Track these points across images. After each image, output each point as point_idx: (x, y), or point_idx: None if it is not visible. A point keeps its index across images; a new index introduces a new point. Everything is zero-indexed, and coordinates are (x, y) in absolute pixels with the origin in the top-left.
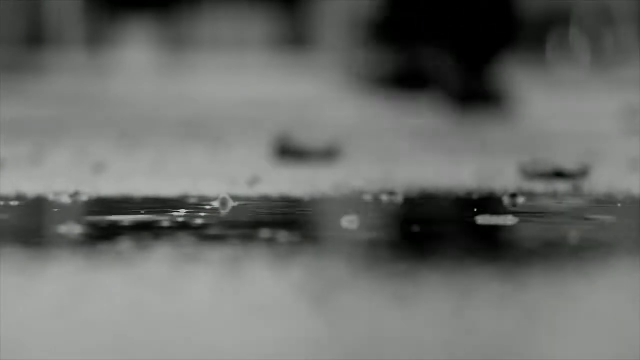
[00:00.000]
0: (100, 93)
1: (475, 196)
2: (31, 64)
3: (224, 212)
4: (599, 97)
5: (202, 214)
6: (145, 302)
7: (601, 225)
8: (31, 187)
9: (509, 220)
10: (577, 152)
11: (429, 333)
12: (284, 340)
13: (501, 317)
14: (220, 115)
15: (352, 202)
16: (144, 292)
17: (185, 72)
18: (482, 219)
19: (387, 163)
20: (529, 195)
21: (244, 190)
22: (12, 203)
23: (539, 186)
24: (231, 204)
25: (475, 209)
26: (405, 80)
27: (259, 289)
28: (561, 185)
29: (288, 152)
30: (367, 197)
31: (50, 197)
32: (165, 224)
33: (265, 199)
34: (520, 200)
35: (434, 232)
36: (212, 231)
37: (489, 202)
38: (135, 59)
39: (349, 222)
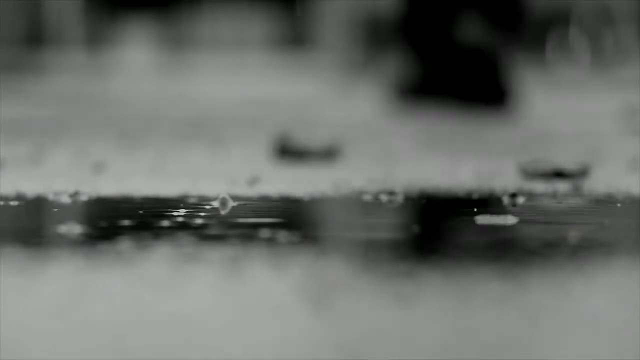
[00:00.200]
0: (100, 93)
1: (475, 196)
2: (31, 64)
3: (224, 212)
4: (599, 97)
5: (202, 214)
6: (145, 302)
7: (601, 225)
8: (31, 187)
9: (509, 220)
10: (577, 152)
11: (429, 333)
12: (284, 341)
13: (501, 317)
14: (220, 115)
15: (352, 202)
16: (144, 292)
17: (185, 72)
18: (482, 219)
19: (387, 163)
20: (529, 195)
21: (244, 190)
22: (12, 203)
23: (539, 186)
24: (231, 204)
25: (475, 209)
26: (430, 87)
27: (259, 289)
28: (561, 185)
29: (288, 152)
30: (367, 197)
31: (50, 197)
32: (165, 224)
33: (265, 199)
34: (520, 200)
35: (434, 232)
36: (212, 231)
37: (489, 202)
38: (135, 59)
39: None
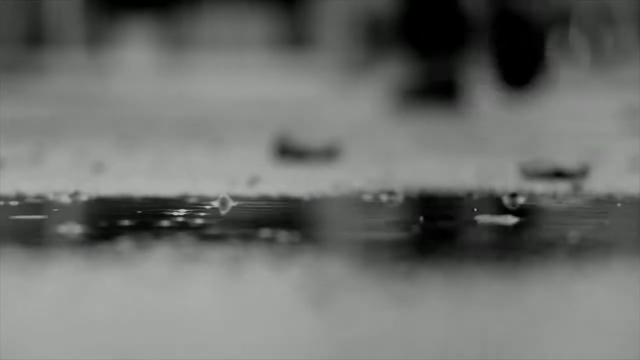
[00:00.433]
0: (100, 93)
1: (475, 196)
2: (31, 64)
3: (224, 212)
4: (599, 97)
5: (202, 214)
6: (145, 302)
7: (601, 225)
8: (31, 187)
9: (509, 220)
10: (577, 152)
11: (429, 333)
12: (284, 340)
13: (501, 317)
14: (220, 115)
15: (352, 202)
16: (144, 292)
17: (185, 72)
18: (482, 219)
19: (387, 163)
20: (529, 195)
21: (244, 190)
22: (12, 203)
23: (539, 186)
24: (231, 204)
25: (475, 209)
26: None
27: (259, 289)
28: (561, 185)
29: (288, 152)
30: (367, 197)
31: (50, 197)
32: (165, 224)
33: (265, 199)
34: (520, 200)
35: (434, 232)
36: (212, 231)
37: (489, 202)
38: (135, 59)
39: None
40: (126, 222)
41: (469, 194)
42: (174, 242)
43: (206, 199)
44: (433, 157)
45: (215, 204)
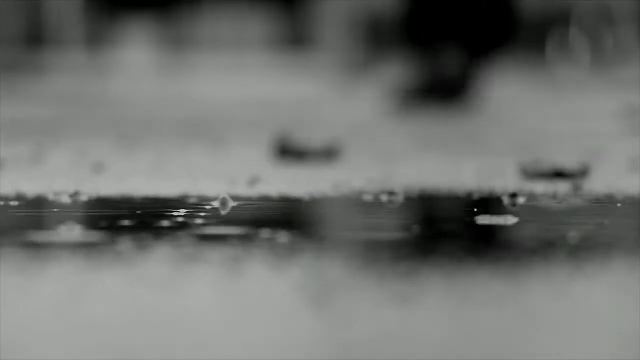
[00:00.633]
0: (100, 93)
1: (475, 196)
2: (31, 64)
3: (224, 212)
4: (599, 97)
5: (202, 214)
6: (145, 302)
7: (601, 225)
8: (31, 187)
9: (509, 220)
10: (577, 152)
11: (429, 333)
12: (284, 340)
13: (501, 317)
14: (220, 115)
15: (352, 202)
16: (144, 292)
17: (185, 72)
18: (482, 219)
19: (387, 163)
20: (529, 195)
21: (244, 190)
22: (12, 203)
23: (539, 186)
24: (231, 204)
25: (475, 209)
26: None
27: (259, 289)
28: (561, 185)
29: (288, 152)
30: (367, 197)
31: (50, 197)
32: (165, 224)
33: (265, 199)
34: (520, 200)
35: (434, 232)
36: (212, 231)
37: (489, 202)
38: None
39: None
40: (126, 222)
41: (469, 194)
42: (174, 242)
43: (206, 199)
44: (433, 157)
45: (215, 204)
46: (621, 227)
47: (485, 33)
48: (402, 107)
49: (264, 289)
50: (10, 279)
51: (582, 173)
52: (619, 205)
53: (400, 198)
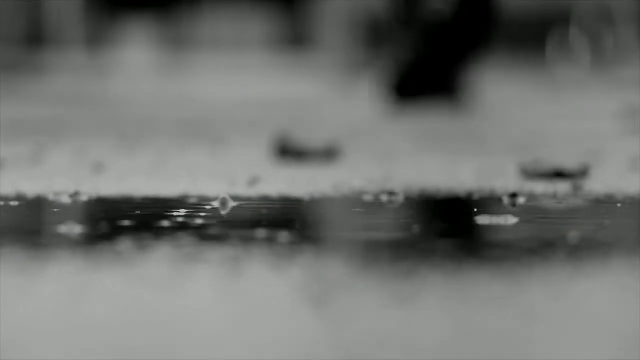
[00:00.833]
0: (100, 93)
1: (475, 196)
2: (31, 64)
3: (224, 212)
4: (599, 97)
5: (202, 214)
6: (145, 302)
7: (601, 225)
8: (31, 187)
9: (509, 220)
10: (577, 152)
11: (429, 333)
12: (284, 340)
13: (501, 317)
14: (220, 115)
15: (352, 202)
16: (144, 292)
17: (185, 72)
18: (482, 219)
19: (387, 163)
20: (529, 195)
21: (244, 190)
22: (12, 203)
23: (539, 186)
24: (231, 204)
25: (475, 209)
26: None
27: (259, 289)
28: (561, 185)
29: (288, 152)
30: (367, 197)
31: (50, 197)
32: (165, 224)
33: (265, 199)
34: (520, 200)
35: (434, 232)
36: (212, 231)
37: (489, 202)
38: (135, 59)
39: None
40: (126, 222)
41: (469, 194)
42: (174, 242)
43: (206, 199)
44: (433, 156)
45: (215, 204)
46: (621, 227)
47: (466, 33)
48: (398, 105)
49: (264, 289)
50: (10, 279)
51: (582, 173)
52: (619, 205)
53: (400, 198)
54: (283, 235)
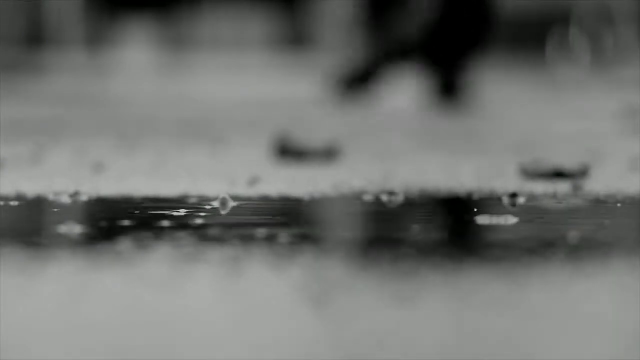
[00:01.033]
0: (100, 93)
1: (475, 196)
2: (31, 64)
3: (224, 212)
4: (599, 97)
5: (202, 214)
6: (145, 302)
7: (601, 225)
8: (31, 187)
9: (509, 220)
10: (577, 152)
11: (429, 333)
12: (284, 340)
13: (501, 317)
14: (220, 115)
15: (352, 202)
16: (144, 292)
17: (185, 72)
18: (482, 219)
19: (387, 163)
20: (529, 195)
21: (244, 190)
22: (12, 203)
23: (539, 186)
24: (231, 204)
25: (475, 209)
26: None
27: (259, 289)
28: (561, 185)
29: (288, 152)
30: (367, 197)
31: (50, 197)
32: (165, 224)
33: (265, 199)
34: (520, 200)
35: (434, 232)
36: (212, 231)
37: (489, 202)
38: (135, 59)
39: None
40: (126, 222)
41: (469, 194)
42: (174, 242)
43: (206, 199)
44: (433, 156)
45: (215, 204)
46: (621, 227)
47: (461, 32)
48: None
49: (264, 289)
50: (10, 279)
51: (582, 173)
52: (619, 205)
53: (400, 198)
54: (283, 235)
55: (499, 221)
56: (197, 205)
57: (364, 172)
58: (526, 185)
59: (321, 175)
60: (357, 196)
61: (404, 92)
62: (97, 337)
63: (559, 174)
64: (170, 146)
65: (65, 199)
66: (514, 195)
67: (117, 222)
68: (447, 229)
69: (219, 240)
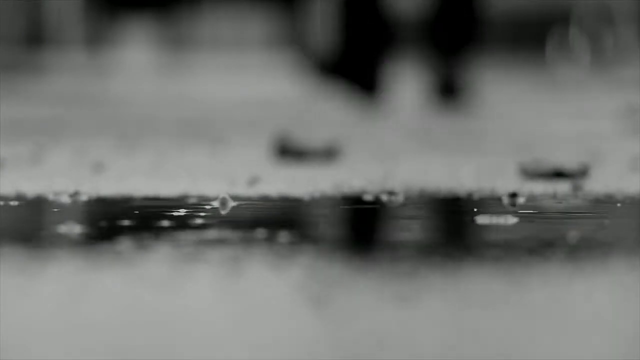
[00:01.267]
0: (100, 93)
1: (475, 196)
2: (31, 64)
3: (224, 212)
4: (599, 97)
5: (202, 214)
6: (145, 302)
7: (601, 225)
8: (31, 187)
9: (509, 220)
10: (577, 152)
11: (430, 333)
12: (284, 340)
13: (501, 317)
14: (220, 115)
15: (352, 202)
16: (144, 292)
17: (185, 72)
18: (482, 219)
19: (387, 163)
20: (529, 195)
21: (244, 190)
22: (12, 203)
23: (539, 186)
24: (231, 204)
25: (475, 209)
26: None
27: (259, 289)
28: (561, 185)
29: (288, 152)
30: (367, 197)
31: (50, 197)
32: (165, 224)
33: (265, 199)
34: (520, 200)
35: (433, 232)
36: (212, 231)
37: (489, 202)
38: (135, 59)
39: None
40: (126, 222)
41: (469, 194)
42: (174, 242)
43: (206, 199)
44: (433, 156)
45: (215, 204)
46: (621, 227)
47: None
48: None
49: (263, 289)
50: (10, 279)
51: (582, 173)
52: (619, 205)
53: (400, 198)
54: (283, 235)
55: (499, 221)
56: (197, 205)
57: (364, 172)
58: (526, 185)
59: (321, 175)
60: (357, 196)
61: (404, 92)
62: (97, 337)
63: (559, 174)
64: (170, 146)
65: (65, 199)
66: (514, 195)
67: (117, 222)
68: (447, 229)
69: (219, 240)
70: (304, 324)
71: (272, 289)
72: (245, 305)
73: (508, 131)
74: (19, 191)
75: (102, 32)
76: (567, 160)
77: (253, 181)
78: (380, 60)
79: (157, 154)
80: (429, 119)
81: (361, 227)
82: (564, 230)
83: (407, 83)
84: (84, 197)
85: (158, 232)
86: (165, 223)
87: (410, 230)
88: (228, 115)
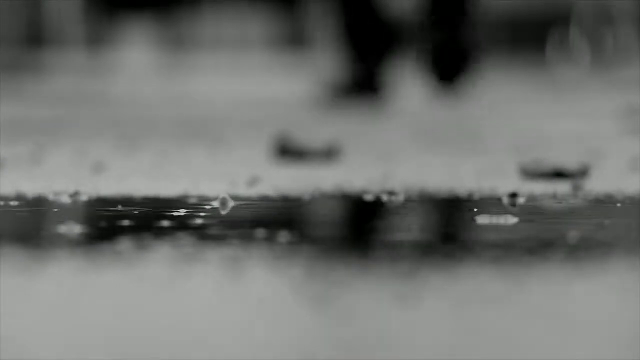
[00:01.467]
0: (100, 93)
1: (475, 196)
2: (31, 64)
3: (224, 212)
4: (599, 97)
5: (202, 214)
6: (145, 302)
7: (601, 225)
8: (31, 187)
9: (509, 220)
10: (577, 152)
11: (429, 333)
12: (284, 340)
13: (501, 317)
14: (220, 115)
15: (352, 202)
16: (144, 292)
17: (185, 72)
18: (482, 219)
19: (387, 163)
20: (529, 195)
21: (244, 190)
22: (12, 203)
23: (539, 186)
24: (231, 204)
25: (475, 209)
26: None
27: (259, 289)
28: (561, 185)
29: (288, 152)
30: (367, 197)
31: (50, 197)
32: (165, 224)
33: (265, 199)
34: (520, 200)
35: (434, 232)
36: (212, 231)
37: (489, 202)
38: (135, 59)
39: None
40: (126, 222)
41: (469, 194)
42: (174, 242)
43: (206, 199)
44: (433, 156)
45: (215, 204)
46: (621, 227)
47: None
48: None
49: (263, 289)
50: (10, 279)
51: (582, 173)
52: (619, 205)
53: (400, 198)
54: (283, 235)
55: (499, 221)
56: (197, 205)
57: (364, 172)
58: (526, 185)
59: (321, 175)
60: (357, 196)
61: (404, 92)
62: (97, 337)
63: (559, 174)
64: (170, 146)
65: (65, 199)
66: (514, 195)
67: (117, 222)
68: (447, 229)
69: (219, 240)
70: (304, 324)
71: (272, 288)
72: (245, 305)
73: (508, 131)
74: (19, 191)
75: (102, 32)
76: (567, 160)
77: (253, 181)
78: (380, 60)
79: (157, 154)
80: (429, 119)
81: (361, 227)
82: (564, 230)
83: (406, 83)
84: (84, 197)
85: (158, 232)
86: (165, 223)
87: (410, 230)
88: (228, 115)
